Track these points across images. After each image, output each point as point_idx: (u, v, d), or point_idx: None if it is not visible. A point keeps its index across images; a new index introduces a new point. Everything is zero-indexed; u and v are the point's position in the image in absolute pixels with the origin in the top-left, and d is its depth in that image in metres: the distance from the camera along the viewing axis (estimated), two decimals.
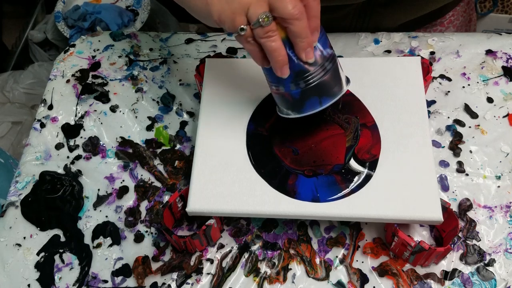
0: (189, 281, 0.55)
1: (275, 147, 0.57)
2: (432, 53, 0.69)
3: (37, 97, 1.33)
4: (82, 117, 0.67)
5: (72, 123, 0.67)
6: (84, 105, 0.69)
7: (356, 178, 0.54)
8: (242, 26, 0.44)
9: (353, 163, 0.55)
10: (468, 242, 0.55)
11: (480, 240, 0.55)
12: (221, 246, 0.57)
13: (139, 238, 0.58)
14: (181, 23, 1.55)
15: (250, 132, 0.58)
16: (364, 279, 0.54)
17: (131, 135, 0.66)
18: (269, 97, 0.60)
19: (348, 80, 0.52)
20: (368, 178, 0.53)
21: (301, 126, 0.58)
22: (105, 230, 0.59)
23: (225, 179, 0.54)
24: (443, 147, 0.61)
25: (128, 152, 0.64)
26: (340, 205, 0.52)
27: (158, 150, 0.64)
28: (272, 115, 0.59)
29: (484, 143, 0.61)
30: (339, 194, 0.53)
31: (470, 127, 0.62)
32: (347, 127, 0.57)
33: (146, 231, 0.58)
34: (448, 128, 0.62)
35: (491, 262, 0.53)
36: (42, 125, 0.67)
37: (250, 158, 0.56)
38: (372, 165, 0.54)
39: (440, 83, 0.66)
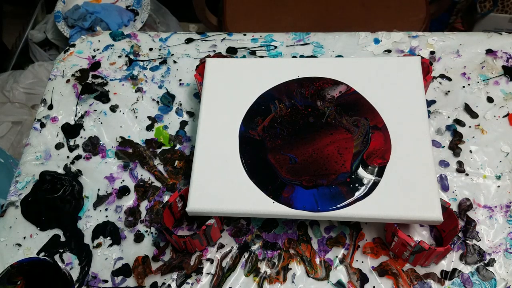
0: (189, 281, 0.55)
1: (269, 154, 0.55)
2: (432, 52, 0.69)
3: (37, 97, 1.33)
4: (82, 117, 0.68)
5: (72, 123, 0.67)
6: (84, 105, 0.69)
7: (363, 188, 0.52)
8: None
9: (361, 171, 0.53)
10: (468, 242, 0.55)
11: (480, 240, 0.55)
12: (221, 246, 0.57)
13: (139, 238, 0.58)
14: (181, 23, 1.56)
15: (241, 136, 0.56)
16: (364, 279, 0.54)
17: (131, 135, 0.66)
18: (261, 98, 0.59)
19: None
20: (374, 185, 0.52)
21: (299, 131, 0.56)
22: (105, 230, 0.59)
23: (225, 179, 0.54)
24: (443, 147, 0.61)
25: (128, 152, 0.64)
26: (340, 209, 0.51)
27: (158, 150, 0.64)
28: (263, 117, 0.58)
29: (484, 143, 0.61)
30: (343, 204, 0.51)
31: (470, 127, 0.62)
32: (355, 130, 0.55)
33: (146, 231, 0.58)
34: (448, 128, 0.62)
35: (491, 262, 0.53)
36: (42, 125, 0.67)
37: (243, 163, 0.55)
38: (380, 171, 0.52)
39: (440, 83, 0.66)
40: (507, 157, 0.60)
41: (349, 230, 0.57)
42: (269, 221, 0.58)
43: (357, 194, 0.52)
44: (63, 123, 0.67)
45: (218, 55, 0.69)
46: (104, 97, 0.69)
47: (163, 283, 0.55)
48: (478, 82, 0.66)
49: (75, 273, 0.56)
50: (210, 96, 0.60)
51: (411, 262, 0.54)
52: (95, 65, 0.72)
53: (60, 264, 0.52)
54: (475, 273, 0.53)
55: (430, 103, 0.64)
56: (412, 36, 0.70)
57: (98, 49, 0.74)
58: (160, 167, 0.63)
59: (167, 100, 0.68)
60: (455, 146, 0.61)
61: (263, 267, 0.55)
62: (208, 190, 0.54)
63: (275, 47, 0.71)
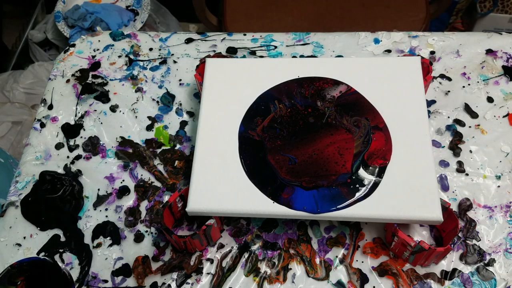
0: (189, 281, 0.55)
1: (269, 155, 0.55)
2: (432, 52, 0.69)
3: (37, 97, 1.33)
4: (82, 117, 0.68)
5: (72, 123, 0.67)
6: (84, 105, 0.69)
7: (363, 188, 0.51)
8: None
9: (362, 172, 0.52)
10: (468, 242, 0.55)
11: (480, 240, 0.55)
12: (221, 246, 0.57)
13: (139, 238, 0.58)
14: (181, 23, 1.56)
15: (241, 136, 0.56)
16: (364, 279, 0.54)
17: (131, 135, 0.66)
18: (261, 98, 0.59)
19: None
20: (375, 186, 0.52)
21: (299, 131, 0.56)
22: (105, 230, 0.59)
23: (225, 179, 0.54)
24: (443, 147, 0.61)
25: (128, 152, 0.64)
26: (341, 210, 0.51)
27: (158, 150, 0.64)
28: (263, 117, 0.57)
29: (484, 143, 0.61)
30: (343, 205, 0.51)
31: (470, 127, 0.62)
32: (355, 130, 0.55)
33: (146, 231, 0.58)
34: (448, 128, 0.62)
35: (491, 262, 0.53)
36: (42, 125, 0.67)
37: (242, 164, 0.54)
38: (381, 171, 0.52)
39: (440, 83, 0.66)
40: (507, 157, 0.60)
41: (349, 230, 0.56)
42: (269, 221, 0.58)
43: (357, 195, 0.52)
44: (63, 123, 0.67)
45: (218, 55, 0.69)
46: (104, 97, 0.69)
47: (163, 283, 0.55)
48: (478, 82, 0.66)
49: (75, 273, 0.56)
50: (210, 96, 0.60)
51: (411, 262, 0.54)
52: (95, 65, 0.72)
53: (60, 264, 0.52)
54: (475, 273, 0.53)
55: (430, 103, 0.64)
56: (412, 36, 0.70)
57: (98, 49, 0.74)
58: (160, 167, 0.63)
59: (167, 100, 0.68)
60: (455, 146, 0.61)
61: (263, 267, 0.55)
62: (208, 190, 0.54)
63: (275, 47, 0.71)
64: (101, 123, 0.67)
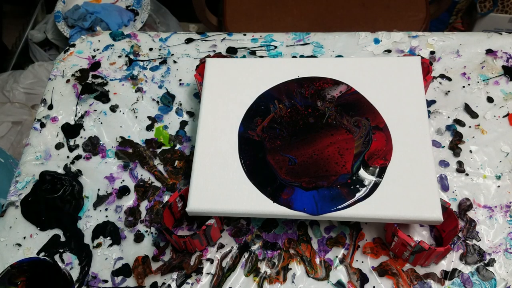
0: (189, 281, 0.55)
1: (268, 155, 0.55)
2: (432, 52, 0.69)
3: (37, 97, 1.33)
4: (82, 117, 0.68)
5: (72, 123, 0.67)
6: (84, 105, 0.69)
7: (364, 189, 0.51)
8: None
9: (362, 172, 0.52)
10: (468, 242, 0.55)
11: (480, 240, 0.55)
12: (221, 246, 0.57)
13: (139, 238, 0.58)
14: (181, 23, 1.56)
15: (241, 136, 0.56)
16: (364, 279, 0.54)
17: (131, 135, 0.66)
18: (260, 98, 0.59)
19: None
20: (375, 186, 0.52)
21: (299, 131, 0.56)
22: (105, 230, 0.59)
23: (225, 179, 0.54)
24: (443, 147, 0.61)
25: (128, 152, 0.64)
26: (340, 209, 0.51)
27: (158, 150, 0.64)
28: (263, 118, 0.57)
29: (484, 143, 0.61)
30: (343, 205, 0.51)
31: (470, 127, 0.62)
32: (356, 131, 0.55)
33: (146, 231, 0.58)
34: (448, 128, 0.62)
35: (491, 262, 0.53)
36: (42, 125, 0.67)
37: (242, 164, 0.54)
38: (381, 171, 0.52)
39: (440, 83, 0.66)
40: (507, 157, 0.60)
41: (349, 230, 0.56)
42: (269, 221, 0.58)
43: (357, 195, 0.51)
44: (63, 123, 0.67)
45: (218, 55, 0.69)
46: (104, 97, 0.69)
47: (163, 283, 0.55)
48: (478, 82, 0.66)
49: (75, 273, 0.56)
50: (210, 96, 0.60)
51: (411, 262, 0.54)
52: (95, 65, 0.72)
53: (60, 264, 0.52)
54: (475, 273, 0.53)
55: (430, 103, 0.64)
56: (412, 36, 0.70)
57: (98, 49, 0.74)
58: (160, 167, 0.63)
59: (167, 100, 0.68)
60: (455, 146, 0.61)
61: (263, 267, 0.55)
62: (208, 190, 0.54)
63: (275, 47, 0.71)
64: (101, 123, 0.67)
